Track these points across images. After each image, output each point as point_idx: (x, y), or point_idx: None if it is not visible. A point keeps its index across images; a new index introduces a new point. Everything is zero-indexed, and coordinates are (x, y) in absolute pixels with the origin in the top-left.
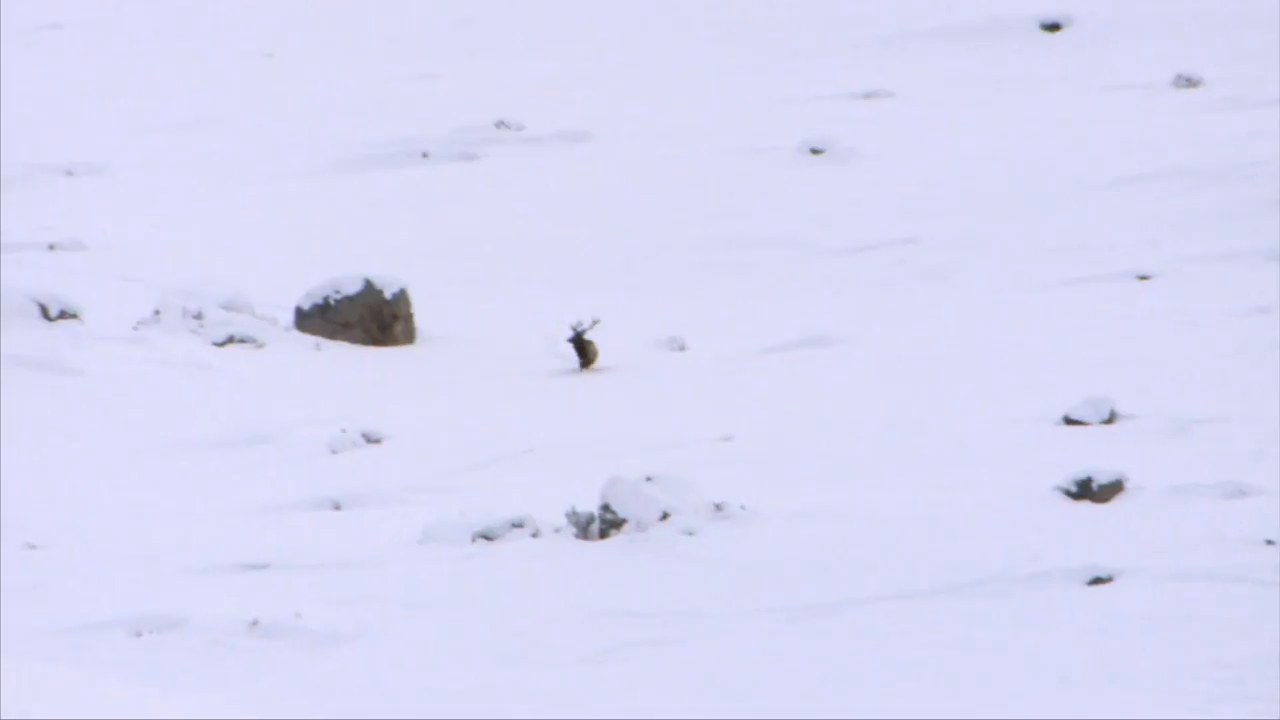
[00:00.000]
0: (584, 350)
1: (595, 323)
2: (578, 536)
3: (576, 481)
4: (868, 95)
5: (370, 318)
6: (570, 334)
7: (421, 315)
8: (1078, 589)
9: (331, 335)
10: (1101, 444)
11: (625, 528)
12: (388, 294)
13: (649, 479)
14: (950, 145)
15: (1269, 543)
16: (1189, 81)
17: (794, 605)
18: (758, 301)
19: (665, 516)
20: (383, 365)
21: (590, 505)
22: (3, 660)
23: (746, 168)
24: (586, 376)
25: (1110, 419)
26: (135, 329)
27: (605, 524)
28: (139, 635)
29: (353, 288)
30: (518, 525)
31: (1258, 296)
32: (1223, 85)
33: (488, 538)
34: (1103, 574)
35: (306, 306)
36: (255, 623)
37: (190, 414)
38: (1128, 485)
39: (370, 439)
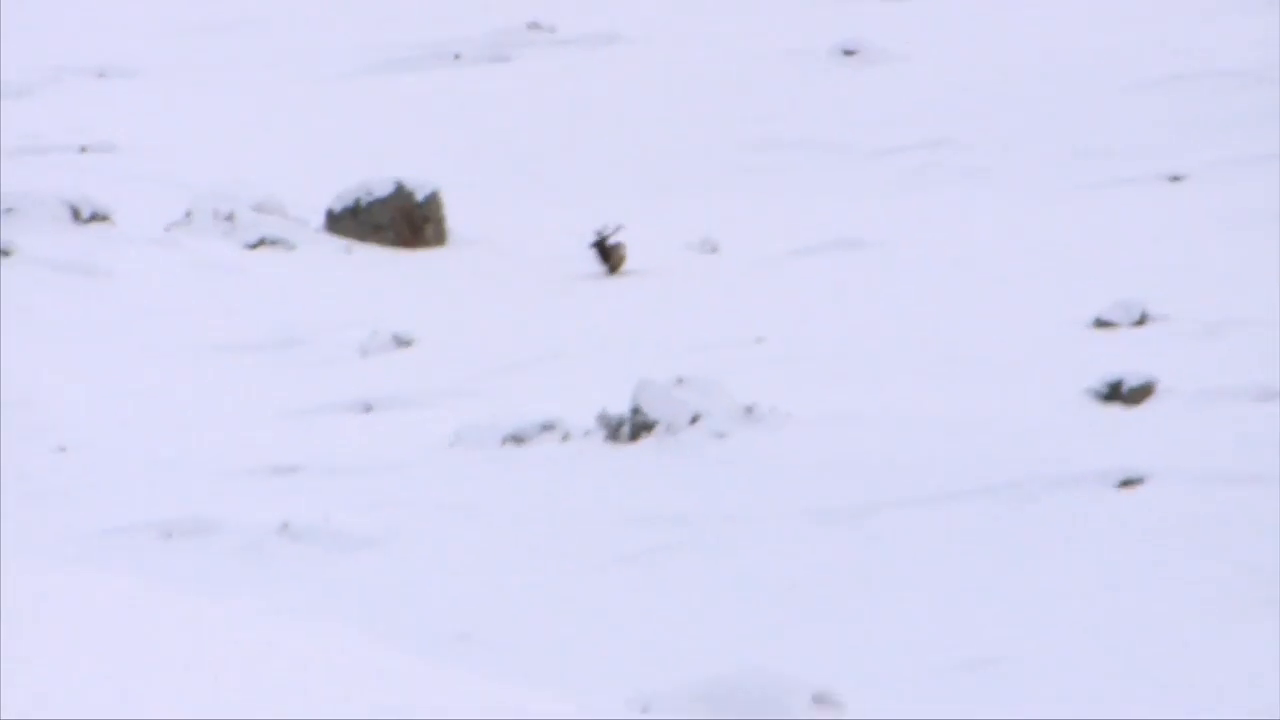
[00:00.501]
0: (608, 255)
1: (619, 228)
2: (608, 439)
3: (607, 384)
4: None
5: (401, 220)
6: (594, 238)
7: (453, 218)
8: (1108, 492)
9: (362, 237)
10: (1132, 346)
11: (656, 430)
12: (419, 196)
13: (680, 381)
14: (983, 46)
15: None
16: None
17: (824, 508)
18: (790, 204)
19: (696, 419)
20: (413, 268)
21: (621, 408)
22: (32, 563)
23: (779, 69)
24: (617, 279)
25: (1141, 321)
26: (166, 231)
27: (636, 426)
28: (169, 538)
29: (384, 190)
30: (548, 428)
31: None
32: None
33: (518, 440)
34: (1133, 476)
35: (337, 209)
36: (285, 526)
37: (221, 316)
38: (1158, 388)
39: (401, 342)
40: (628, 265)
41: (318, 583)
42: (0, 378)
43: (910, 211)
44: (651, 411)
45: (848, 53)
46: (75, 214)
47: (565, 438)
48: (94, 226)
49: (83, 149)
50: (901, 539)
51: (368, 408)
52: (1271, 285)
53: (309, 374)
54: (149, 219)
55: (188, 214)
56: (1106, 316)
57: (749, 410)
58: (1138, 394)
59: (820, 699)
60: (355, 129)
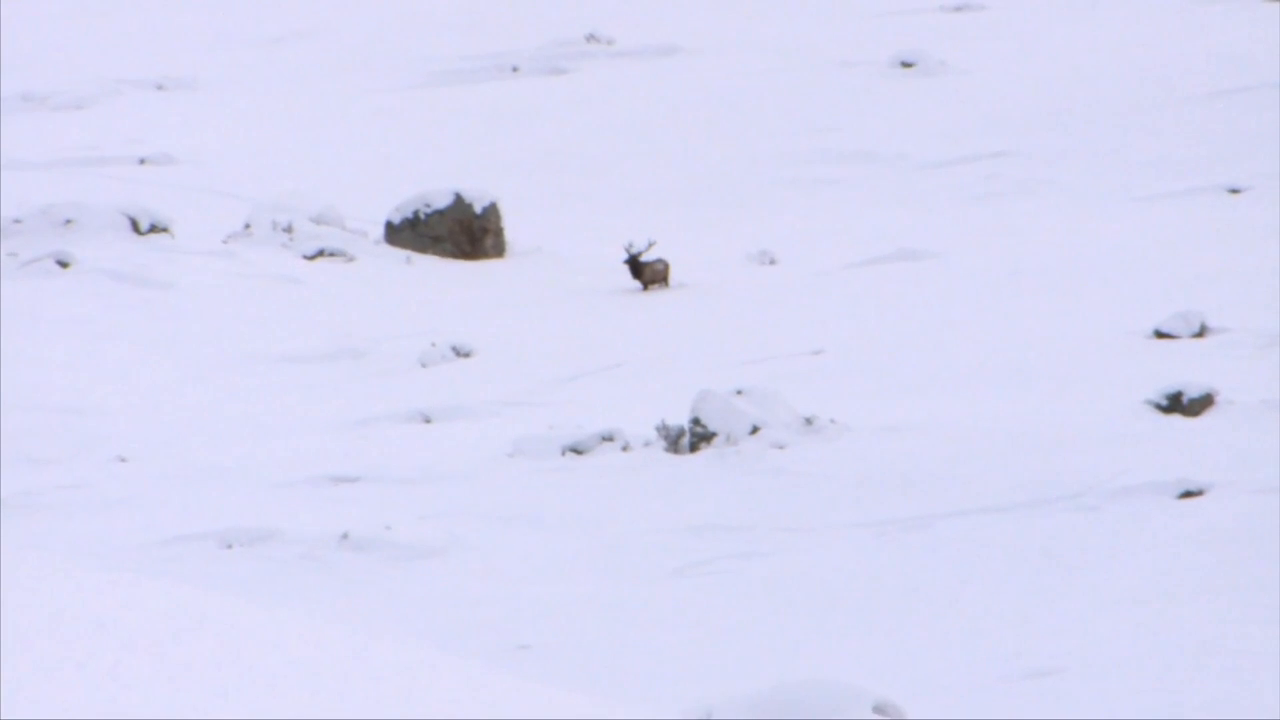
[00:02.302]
0: (639, 271)
1: (651, 244)
2: (667, 450)
3: (666, 395)
4: (959, 8)
5: (460, 231)
6: (626, 255)
7: (511, 229)
8: (1168, 502)
9: (422, 249)
10: (1192, 358)
11: (715, 441)
12: (478, 208)
13: (739, 392)
14: (1042, 58)
15: None
16: None
17: (883, 519)
18: (849, 216)
19: (755, 430)
20: (472, 279)
21: (680, 419)
22: (94, 572)
23: (837, 81)
24: (676, 291)
25: (1201, 332)
26: (225, 242)
27: (695, 437)
28: (229, 547)
29: (443, 201)
30: (607, 439)
31: None
32: None
33: (577, 451)
34: (1193, 487)
35: (396, 220)
36: (345, 535)
37: (280, 327)
38: (1218, 399)
39: (460, 352)
40: (668, 282)
41: (378, 592)
42: (61, 388)
43: (968, 223)
44: (711, 422)
45: (905, 65)
46: (134, 226)
47: (625, 448)
48: (153, 238)
49: (142, 161)
50: (961, 549)
51: (427, 418)
52: None
53: (368, 385)
54: (208, 231)
55: (247, 225)
56: (1166, 328)
57: (808, 421)
58: (1197, 405)
59: (880, 708)
60: (414, 141)
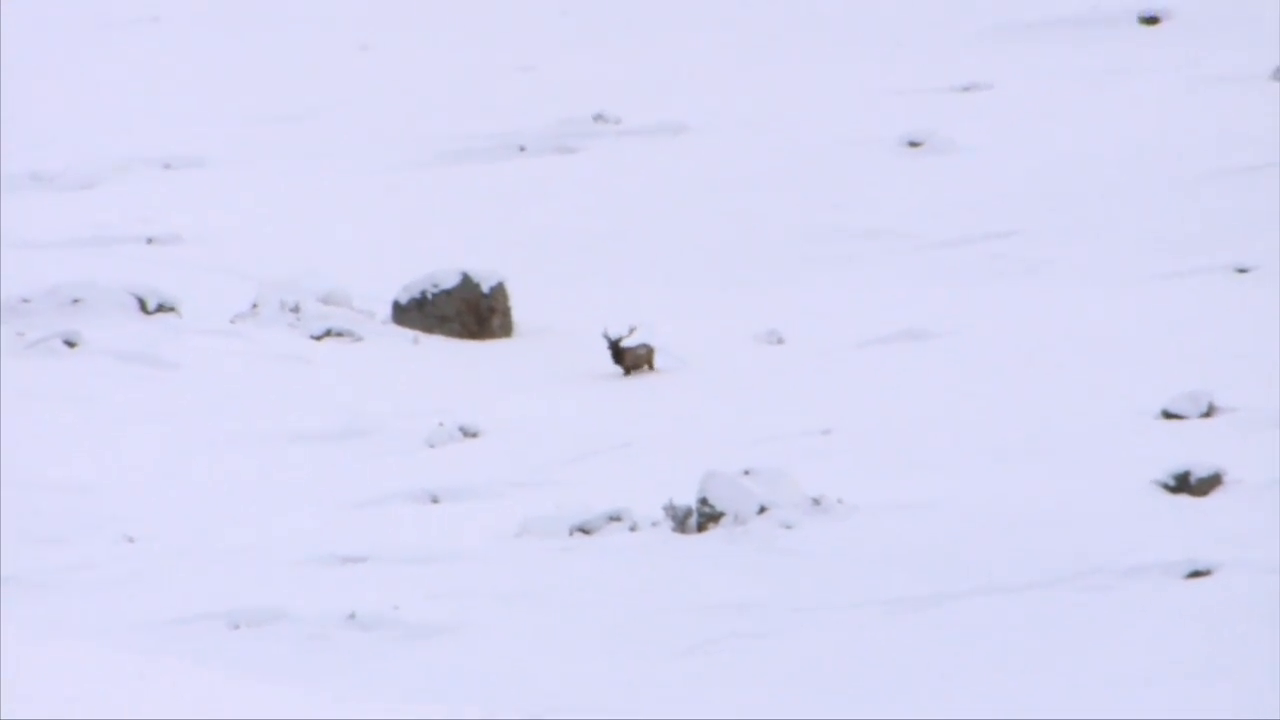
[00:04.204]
0: (620, 356)
1: (632, 330)
2: (675, 530)
3: (674, 475)
4: (966, 88)
5: (468, 311)
6: (607, 341)
7: (519, 309)
8: (1176, 582)
9: (429, 329)
10: (1200, 437)
11: (723, 521)
12: (485, 287)
13: (747, 472)
14: (1048, 138)
15: None
16: None
17: (892, 598)
18: (856, 294)
19: (763, 510)
20: (480, 359)
21: (688, 499)
22: (102, 653)
23: (845, 160)
24: (684, 371)
25: (1209, 412)
26: (232, 322)
27: (703, 517)
28: (237, 627)
29: (450, 281)
30: (615, 519)
31: None
32: None
33: (585, 531)
34: (1201, 567)
35: (404, 300)
36: (353, 615)
37: (287, 407)
38: (1226, 479)
39: (467, 433)
40: (650, 368)
41: (385, 672)
42: (68, 468)
43: (977, 302)
44: (719, 502)
45: (913, 144)
46: (142, 305)
47: (632, 528)
48: (161, 317)
49: (149, 240)
50: (969, 629)
51: (435, 498)
52: None
53: (376, 465)
54: (215, 310)
55: (254, 305)
56: (1174, 408)
57: (816, 501)
58: (1205, 485)
59: None
60: (421, 220)
